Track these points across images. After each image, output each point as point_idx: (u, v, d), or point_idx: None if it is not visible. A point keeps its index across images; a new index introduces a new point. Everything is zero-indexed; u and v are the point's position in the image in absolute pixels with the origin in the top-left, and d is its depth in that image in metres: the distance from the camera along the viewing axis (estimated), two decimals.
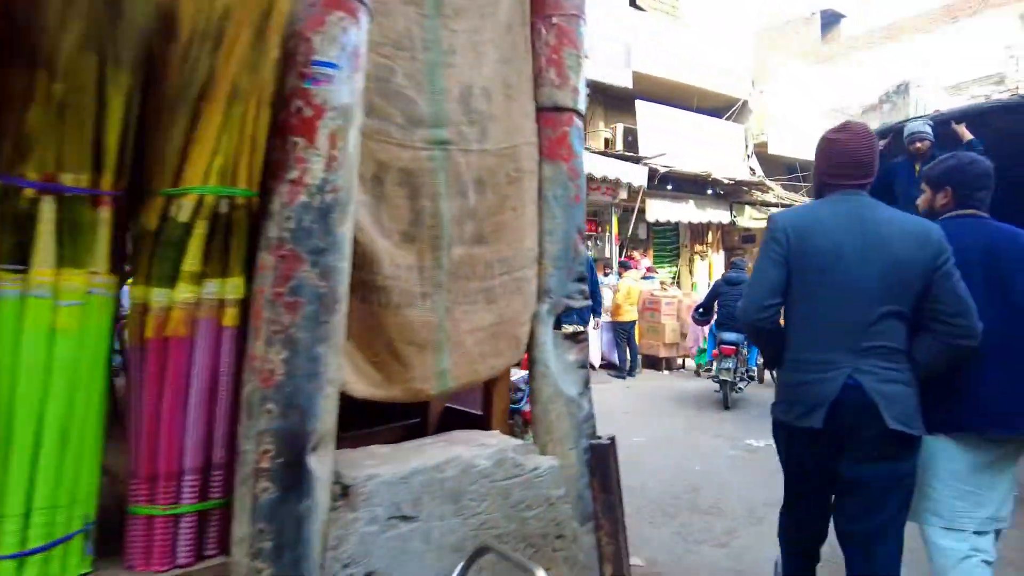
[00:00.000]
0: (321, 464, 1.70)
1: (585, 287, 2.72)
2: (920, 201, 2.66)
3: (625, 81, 13.20)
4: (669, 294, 11.93)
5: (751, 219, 15.80)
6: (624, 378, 10.53)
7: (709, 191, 14.81)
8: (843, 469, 2.19)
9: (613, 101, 14.40)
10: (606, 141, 14.26)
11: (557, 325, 2.60)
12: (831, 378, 2.11)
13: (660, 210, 14.13)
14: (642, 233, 15.56)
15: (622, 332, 10.65)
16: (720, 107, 15.50)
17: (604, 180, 12.48)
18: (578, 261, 2.65)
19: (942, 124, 6.52)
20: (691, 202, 14.65)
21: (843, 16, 27.27)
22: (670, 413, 8.17)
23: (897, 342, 2.14)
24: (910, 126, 6.56)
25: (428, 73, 2.19)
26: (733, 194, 15.53)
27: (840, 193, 2.27)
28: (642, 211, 13.90)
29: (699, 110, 14.86)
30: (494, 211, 2.37)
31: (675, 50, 14.24)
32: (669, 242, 16.24)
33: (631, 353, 10.72)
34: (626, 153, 13.25)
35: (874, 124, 8.86)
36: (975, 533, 2.26)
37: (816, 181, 2.44)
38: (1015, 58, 20.03)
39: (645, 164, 13.11)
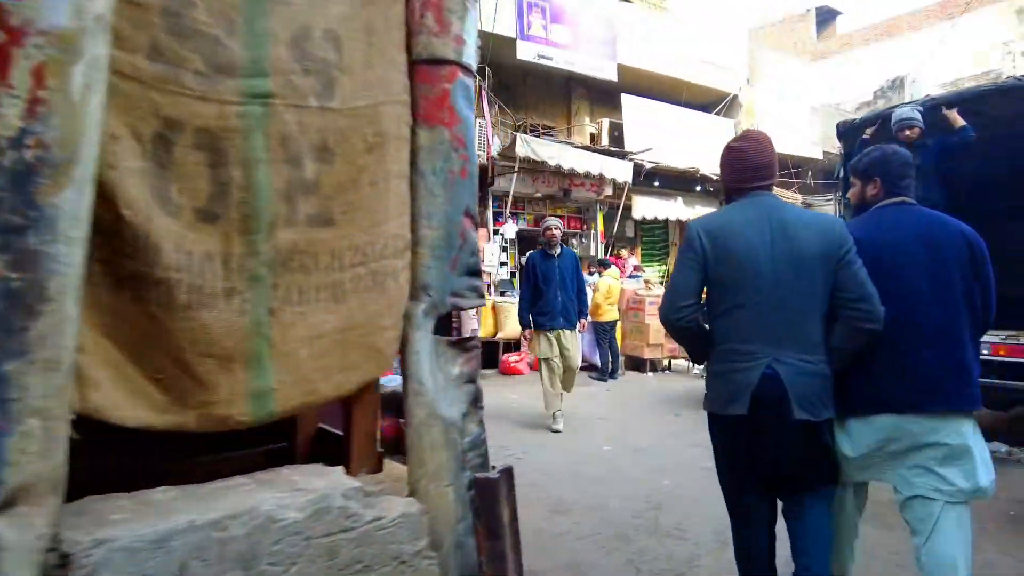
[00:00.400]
0: (18, 528, 1.19)
1: (479, 283, 2.21)
2: (850, 194, 2.75)
3: (610, 74, 12.67)
4: (654, 293, 11.39)
5: None
6: (605, 380, 10.01)
7: (698, 187, 14.29)
8: (769, 462, 2.31)
9: (599, 95, 13.89)
10: (592, 136, 13.75)
11: (441, 329, 2.09)
12: (753, 367, 2.22)
13: (647, 207, 13.62)
14: (629, 231, 15.03)
15: (602, 332, 10.12)
16: (709, 102, 14.97)
17: (587, 176, 11.98)
18: (468, 250, 2.14)
19: (932, 110, 6.00)
20: (679, 199, 14.14)
21: (839, 13, 26.73)
22: (648, 418, 7.64)
23: (813, 332, 2.26)
24: (898, 112, 6.04)
25: (246, 9, 1.68)
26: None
27: (748, 196, 2.39)
28: (628, 208, 13.38)
29: (687, 105, 14.33)
30: (346, 186, 1.86)
31: (663, 43, 13.71)
32: (658, 240, 15.72)
33: (612, 354, 10.19)
34: (610, 148, 12.74)
35: None
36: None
37: (724, 188, 2.58)
38: (1012, 54, 19.46)
39: (631, 159, 12.59)
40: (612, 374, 10.14)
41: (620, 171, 12.20)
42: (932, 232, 2.41)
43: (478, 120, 11.86)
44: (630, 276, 13.42)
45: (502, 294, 11.72)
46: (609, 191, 13.01)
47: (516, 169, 11.13)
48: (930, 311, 2.32)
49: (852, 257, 2.26)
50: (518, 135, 11.02)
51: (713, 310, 2.39)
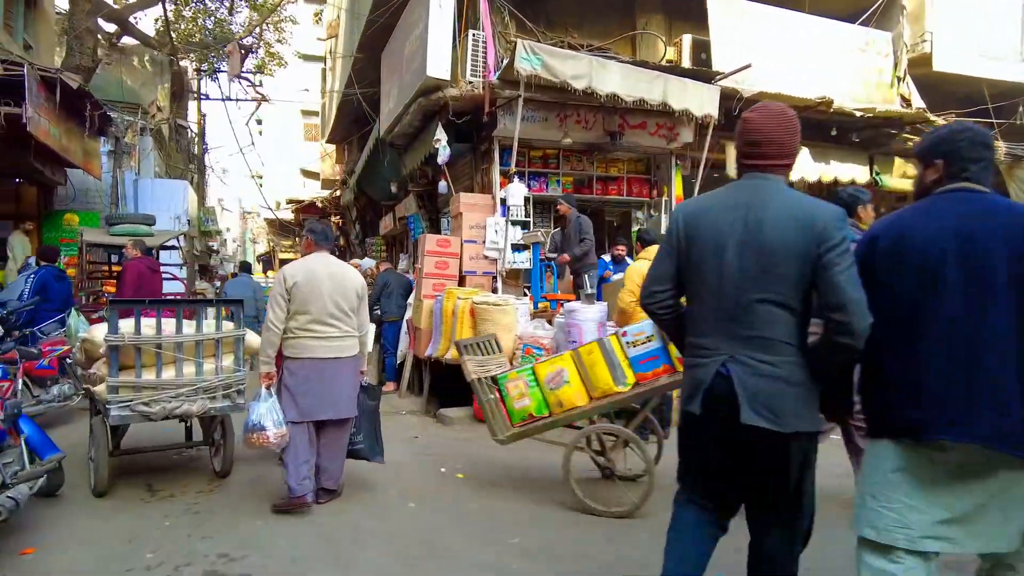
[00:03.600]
0: None
1: None
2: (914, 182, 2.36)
3: None
4: None
5: (905, 177, 9.88)
6: (645, 437, 5.47)
7: (833, 130, 9.14)
8: (719, 468, 2.16)
9: (678, 5, 9.21)
10: (669, 63, 9.08)
11: None
12: (707, 364, 2.08)
13: None
14: None
15: None
16: (850, 9, 9.66)
17: (641, 106, 7.35)
18: None
19: None
20: (804, 152, 9.08)
21: None
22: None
23: (777, 333, 2.02)
24: None
25: None
26: (875, 139, 9.72)
27: (746, 176, 2.18)
28: (718, 164, 8.63)
29: (815, 12, 9.22)
30: None
31: None
32: None
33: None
34: (684, 66, 8.05)
35: None
36: (910, 553, 1.92)
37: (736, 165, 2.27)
38: None
39: (717, 83, 7.85)
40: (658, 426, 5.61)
41: (700, 100, 7.50)
42: (976, 223, 1.94)
43: (471, 31, 7.65)
44: None
45: (525, 292, 7.45)
46: (687, 135, 8.32)
47: (520, 95, 6.82)
48: (959, 319, 1.90)
49: (835, 257, 1.95)
50: (519, 42, 6.70)
51: (687, 301, 2.27)
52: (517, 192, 7.23)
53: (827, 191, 9.98)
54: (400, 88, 8.87)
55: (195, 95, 20.23)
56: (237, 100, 20.92)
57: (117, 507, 4.03)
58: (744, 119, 2.19)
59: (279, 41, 20.04)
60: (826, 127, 9.21)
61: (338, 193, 19.28)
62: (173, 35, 17.80)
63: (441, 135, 7.65)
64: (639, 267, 5.34)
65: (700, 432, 2.16)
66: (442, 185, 8.49)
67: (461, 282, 7.64)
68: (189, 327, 4.23)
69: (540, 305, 6.75)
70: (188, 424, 4.75)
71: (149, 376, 4.07)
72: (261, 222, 35.68)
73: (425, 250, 7.54)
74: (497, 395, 4.05)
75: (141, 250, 7.08)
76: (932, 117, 9.39)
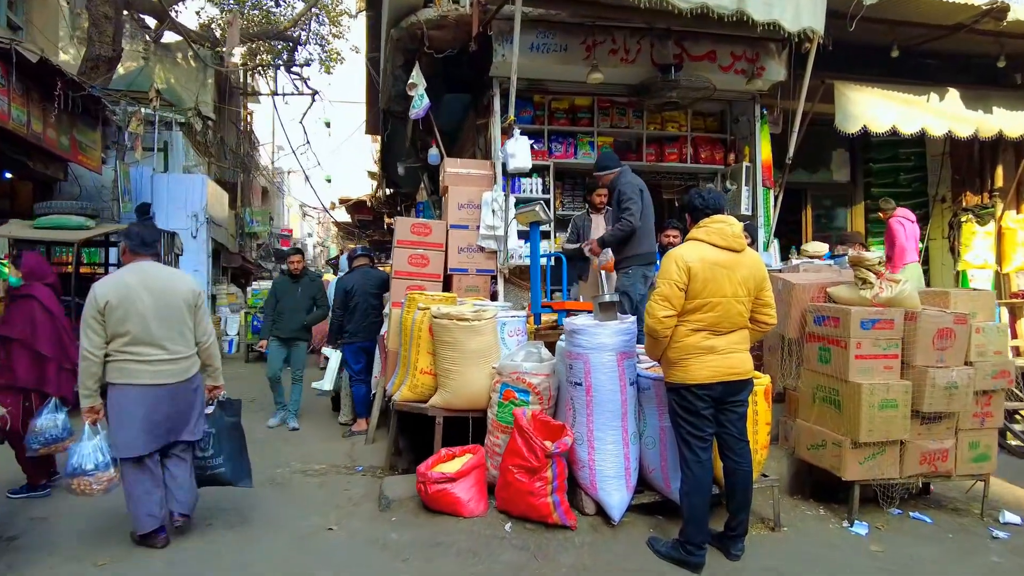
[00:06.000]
0: None
1: None
2: None
3: None
4: (887, 294, 3.88)
5: None
6: (694, 568, 2.97)
7: (1002, 62, 6.19)
8: None
9: None
10: None
11: None
12: None
13: (871, 109, 5.96)
14: (838, 167, 7.35)
15: (690, 416, 3.04)
16: None
17: (705, 16, 4.76)
18: None
19: None
20: (951, 94, 6.18)
21: None
22: None
23: None
24: None
25: None
26: None
27: None
28: (820, 118, 5.92)
29: None
30: None
31: None
32: (904, 184, 7.66)
33: (734, 484, 3.09)
34: None
35: None
36: None
37: None
38: None
39: None
40: (728, 542, 3.08)
41: (796, 7, 4.85)
42: None
43: None
44: (833, 256, 5.99)
45: (554, 295, 5.12)
46: (778, 70, 5.64)
47: (516, 1, 4.44)
48: None
49: None
50: None
51: None
52: (521, 151, 4.83)
53: (989, 150, 7.02)
54: (385, 31, 6.70)
55: (242, 91, 19.10)
56: (284, 95, 19.77)
57: None
58: None
59: (335, 36, 18.71)
60: (986, 61, 6.30)
61: (379, 191, 17.40)
62: (216, 31, 16.68)
63: (418, 79, 5.38)
64: (682, 254, 2.86)
65: None
66: (432, 154, 6.20)
67: (447, 285, 5.33)
68: None
69: (544, 319, 4.34)
70: None
71: None
72: (332, 226, 34.94)
73: (396, 239, 5.27)
74: None
75: None
76: None
